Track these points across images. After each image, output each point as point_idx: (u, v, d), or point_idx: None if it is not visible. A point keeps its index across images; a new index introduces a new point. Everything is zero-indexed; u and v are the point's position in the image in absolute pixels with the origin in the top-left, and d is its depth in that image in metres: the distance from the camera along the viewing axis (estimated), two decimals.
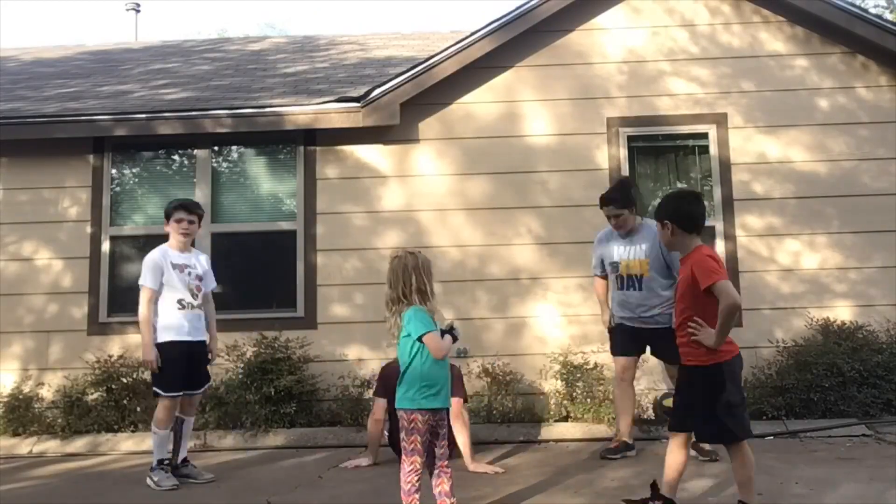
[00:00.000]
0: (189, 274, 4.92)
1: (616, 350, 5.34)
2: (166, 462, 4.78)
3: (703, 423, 3.52)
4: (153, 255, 4.92)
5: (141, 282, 4.87)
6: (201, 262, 5.09)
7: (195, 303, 4.91)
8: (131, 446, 5.99)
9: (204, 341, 4.99)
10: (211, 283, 5.11)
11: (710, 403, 3.43)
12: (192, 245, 5.15)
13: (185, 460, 4.95)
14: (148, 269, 4.86)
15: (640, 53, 6.89)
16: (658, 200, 3.70)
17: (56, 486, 4.99)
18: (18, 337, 6.70)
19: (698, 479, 4.46)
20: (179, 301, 4.85)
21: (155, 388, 4.85)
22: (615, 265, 5.26)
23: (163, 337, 4.80)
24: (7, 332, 6.69)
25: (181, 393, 4.83)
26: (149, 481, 4.71)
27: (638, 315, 5.16)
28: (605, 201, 5.29)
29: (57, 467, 5.56)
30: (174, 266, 4.88)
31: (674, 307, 3.71)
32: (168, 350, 4.78)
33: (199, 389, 5.02)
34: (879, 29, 6.59)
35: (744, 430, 3.48)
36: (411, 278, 3.56)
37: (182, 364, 4.80)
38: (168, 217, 5.03)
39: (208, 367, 5.11)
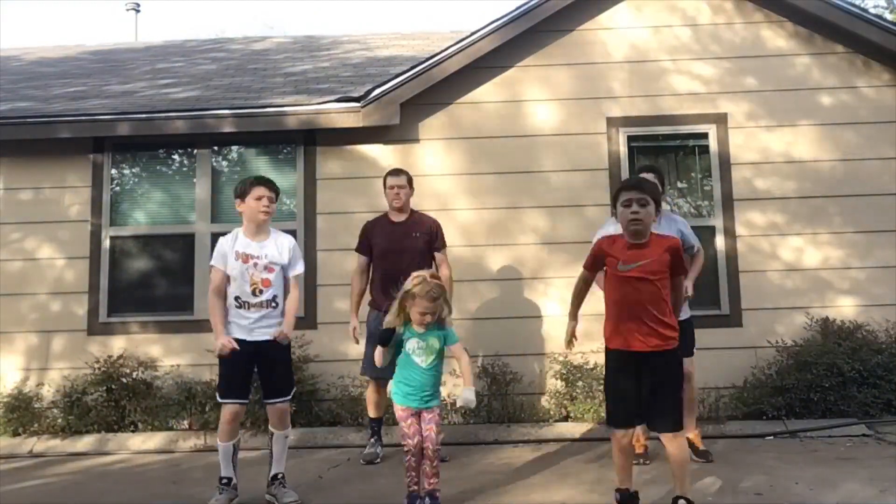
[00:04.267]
0: (255, 265, 4.34)
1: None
2: (224, 481, 4.33)
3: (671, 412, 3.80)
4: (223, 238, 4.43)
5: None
6: (279, 248, 4.43)
7: (252, 301, 4.32)
8: (138, 444, 5.99)
9: (271, 341, 4.34)
10: (295, 269, 4.50)
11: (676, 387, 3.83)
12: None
13: (274, 476, 4.46)
14: (217, 249, 4.39)
15: (641, 52, 6.89)
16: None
17: (57, 486, 4.99)
18: (19, 336, 6.71)
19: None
20: (236, 298, 4.33)
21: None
22: None
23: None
24: (8, 331, 6.70)
25: (236, 400, 4.30)
26: None
27: None
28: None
29: (57, 468, 5.56)
30: (238, 255, 4.34)
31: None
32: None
33: (272, 399, 4.40)
34: (881, 29, 6.60)
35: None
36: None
37: (239, 366, 4.29)
38: (243, 195, 4.42)
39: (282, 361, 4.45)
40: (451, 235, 6.68)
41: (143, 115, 6.78)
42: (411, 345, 4.06)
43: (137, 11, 14.37)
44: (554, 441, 5.79)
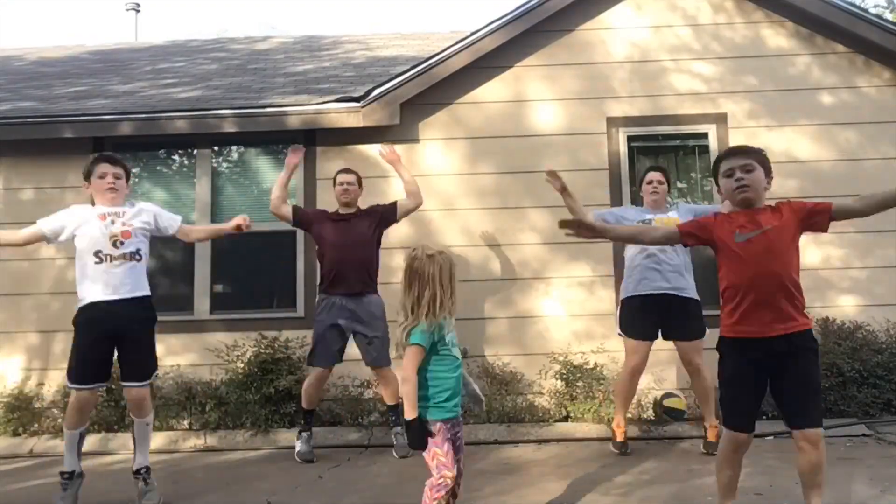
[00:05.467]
0: (113, 222, 4.32)
1: (636, 331, 5.22)
2: (66, 476, 4.29)
3: (815, 408, 3.17)
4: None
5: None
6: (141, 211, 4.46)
7: (115, 254, 4.27)
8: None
9: (133, 319, 4.28)
10: (173, 224, 4.59)
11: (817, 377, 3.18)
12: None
13: (136, 471, 4.40)
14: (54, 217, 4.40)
15: (642, 51, 6.89)
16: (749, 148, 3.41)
17: (57, 486, 4.98)
18: (20, 336, 6.72)
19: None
20: (96, 254, 4.26)
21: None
22: (647, 221, 5.20)
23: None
24: (9, 331, 6.71)
25: (88, 386, 4.30)
26: None
27: (668, 281, 5.13)
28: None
29: (58, 468, 5.55)
30: (98, 216, 4.32)
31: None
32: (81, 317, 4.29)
33: (127, 382, 4.32)
34: (881, 29, 6.59)
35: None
36: (425, 290, 3.18)
37: (97, 349, 4.31)
38: (88, 176, 4.43)
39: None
40: (451, 235, 6.71)
41: (144, 115, 6.79)
42: (451, 336, 3.28)
43: (137, 11, 14.39)
44: (554, 441, 5.79)
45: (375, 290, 5.54)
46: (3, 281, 6.77)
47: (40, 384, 6.54)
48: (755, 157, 3.33)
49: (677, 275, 5.17)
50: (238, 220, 4.60)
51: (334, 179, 5.76)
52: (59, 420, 6.30)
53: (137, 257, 4.39)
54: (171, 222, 4.62)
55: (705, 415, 5.26)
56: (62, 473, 4.35)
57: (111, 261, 4.28)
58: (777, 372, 3.20)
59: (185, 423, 6.27)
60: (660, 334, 5.26)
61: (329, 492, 4.60)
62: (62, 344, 6.67)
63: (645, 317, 5.19)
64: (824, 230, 3.32)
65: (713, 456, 4.79)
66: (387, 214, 5.72)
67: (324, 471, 5.08)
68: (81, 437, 4.41)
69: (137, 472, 4.40)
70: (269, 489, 4.63)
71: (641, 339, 5.22)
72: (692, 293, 5.23)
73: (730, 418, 3.33)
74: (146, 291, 4.46)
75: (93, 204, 4.52)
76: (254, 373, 6.14)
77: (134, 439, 4.47)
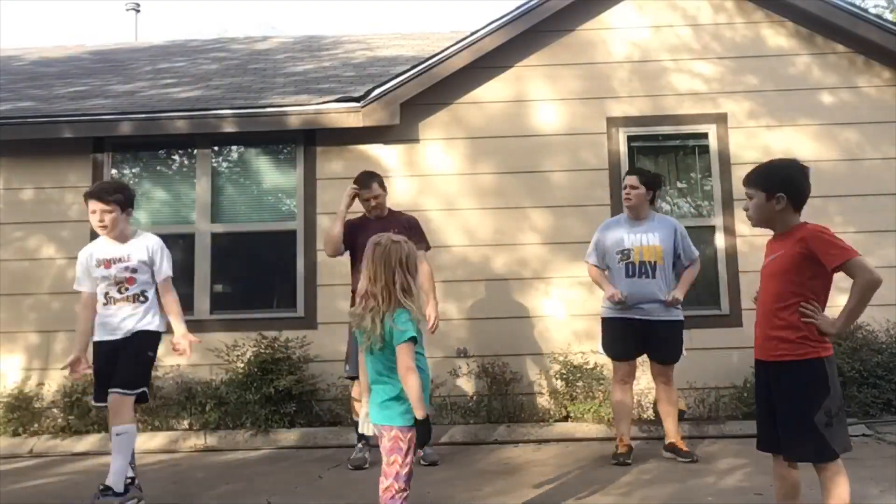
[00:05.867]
0: (117, 267, 4.36)
1: (616, 353, 5.14)
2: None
3: (796, 437, 2.99)
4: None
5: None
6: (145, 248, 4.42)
7: (119, 297, 4.35)
8: (138, 444, 5.92)
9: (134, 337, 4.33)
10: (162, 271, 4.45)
11: (808, 410, 2.96)
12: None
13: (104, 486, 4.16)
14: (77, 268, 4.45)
15: (642, 51, 6.89)
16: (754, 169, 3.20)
17: (57, 486, 4.99)
18: (20, 336, 6.71)
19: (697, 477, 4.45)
20: (105, 295, 4.36)
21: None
22: (626, 252, 5.02)
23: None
24: (9, 331, 6.71)
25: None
26: None
27: (645, 307, 4.96)
28: (632, 171, 5.33)
29: (57, 468, 5.57)
30: (100, 262, 4.37)
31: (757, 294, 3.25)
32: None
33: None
34: (881, 29, 6.59)
35: (843, 444, 2.98)
36: (394, 274, 3.01)
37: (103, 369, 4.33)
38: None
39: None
40: (452, 235, 6.71)
41: (144, 115, 6.79)
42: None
43: (137, 11, 14.38)
44: (554, 441, 5.79)
45: None
46: (3, 281, 6.77)
47: (40, 384, 6.54)
48: (753, 181, 3.16)
49: (653, 298, 4.99)
50: (181, 343, 4.44)
51: (357, 195, 5.31)
52: (59, 420, 6.31)
53: (142, 298, 4.39)
54: (161, 273, 4.44)
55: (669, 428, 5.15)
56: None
57: (115, 303, 4.36)
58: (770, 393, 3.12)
59: (185, 423, 6.27)
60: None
61: (329, 492, 4.60)
62: (62, 344, 6.67)
63: (630, 337, 5.07)
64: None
65: (695, 462, 4.82)
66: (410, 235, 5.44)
67: (324, 471, 5.08)
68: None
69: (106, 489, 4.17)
70: (269, 489, 4.63)
71: (626, 360, 5.14)
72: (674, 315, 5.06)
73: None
74: (151, 327, 4.39)
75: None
76: (254, 373, 6.14)
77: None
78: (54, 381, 6.52)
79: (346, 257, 5.38)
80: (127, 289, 4.37)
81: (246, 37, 13.12)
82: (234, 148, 7.16)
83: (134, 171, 7.17)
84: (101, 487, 4.13)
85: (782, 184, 3.09)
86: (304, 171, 6.86)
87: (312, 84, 7.85)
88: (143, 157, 7.16)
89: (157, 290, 4.45)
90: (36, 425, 6.32)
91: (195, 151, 7.03)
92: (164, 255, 4.48)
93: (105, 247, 4.45)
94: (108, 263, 4.38)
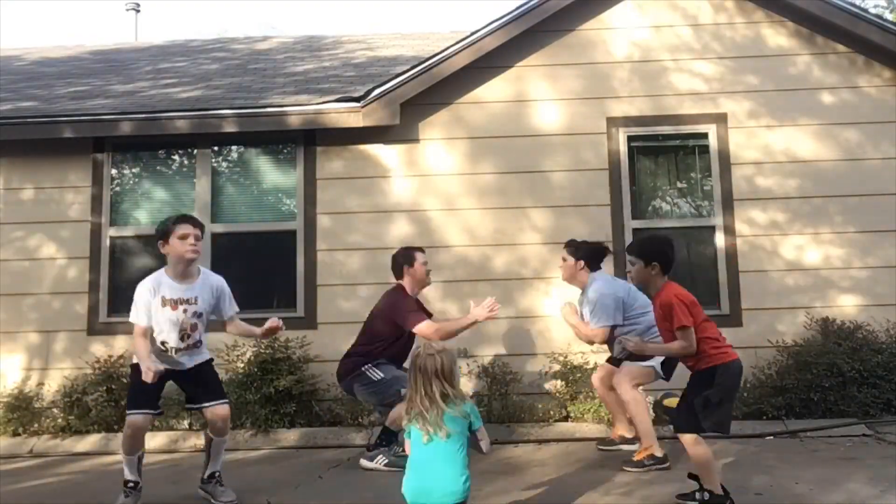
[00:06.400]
0: (185, 311, 4.20)
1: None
2: (130, 484, 4.27)
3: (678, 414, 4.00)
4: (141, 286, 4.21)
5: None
6: (210, 289, 4.32)
7: (180, 346, 4.23)
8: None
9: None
10: (230, 310, 4.48)
11: (692, 399, 3.91)
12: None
13: (211, 475, 4.44)
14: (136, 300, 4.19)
15: (642, 51, 6.89)
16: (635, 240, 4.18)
17: (56, 486, 4.99)
18: (20, 336, 6.71)
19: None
20: (163, 343, 4.21)
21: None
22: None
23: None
24: (9, 331, 6.71)
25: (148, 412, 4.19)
26: None
27: None
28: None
29: (57, 468, 5.57)
30: (165, 302, 4.17)
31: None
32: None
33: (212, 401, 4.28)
34: (881, 29, 6.59)
35: (696, 426, 3.84)
36: (431, 384, 3.35)
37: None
38: (166, 236, 4.20)
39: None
40: (452, 234, 6.71)
41: (145, 115, 6.79)
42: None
43: (137, 11, 14.37)
44: (554, 441, 5.79)
45: None
46: (3, 281, 6.77)
47: (40, 384, 6.54)
48: (633, 251, 4.11)
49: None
50: (270, 323, 4.46)
51: (411, 259, 5.27)
52: (59, 420, 6.31)
53: (198, 345, 4.35)
54: (229, 310, 4.46)
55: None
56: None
57: (175, 352, 4.25)
58: None
59: (185, 423, 6.27)
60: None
61: (329, 492, 4.60)
62: (62, 344, 6.67)
63: None
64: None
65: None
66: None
67: (324, 471, 5.08)
68: (140, 458, 4.32)
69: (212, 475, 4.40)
70: (269, 489, 4.63)
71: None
72: None
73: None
74: (204, 359, 4.42)
75: (164, 260, 4.36)
76: (254, 373, 6.14)
77: (209, 452, 4.46)
78: (54, 381, 6.52)
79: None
80: (189, 336, 4.23)
81: (246, 37, 13.11)
82: (234, 148, 7.16)
83: (134, 171, 7.17)
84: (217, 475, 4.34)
85: (656, 255, 3.99)
86: (305, 171, 6.86)
87: (313, 84, 7.84)
88: (143, 157, 7.16)
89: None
90: (36, 425, 6.32)
91: (195, 151, 7.03)
92: (228, 294, 4.44)
93: (171, 284, 4.20)
94: (174, 305, 4.17)
